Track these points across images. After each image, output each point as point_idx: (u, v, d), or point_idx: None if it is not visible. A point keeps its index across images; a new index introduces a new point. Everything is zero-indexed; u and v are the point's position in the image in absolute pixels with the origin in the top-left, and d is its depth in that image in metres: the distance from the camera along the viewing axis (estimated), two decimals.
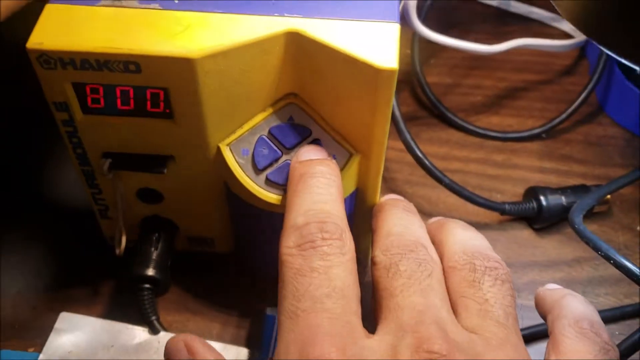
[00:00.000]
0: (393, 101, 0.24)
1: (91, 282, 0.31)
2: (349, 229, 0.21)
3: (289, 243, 0.20)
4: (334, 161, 0.24)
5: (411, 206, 0.25)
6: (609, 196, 0.34)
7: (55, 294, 0.30)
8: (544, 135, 0.39)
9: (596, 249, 0.26)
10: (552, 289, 0.23)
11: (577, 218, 0.27)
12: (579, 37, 0.41)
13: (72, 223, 0.33)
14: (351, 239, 0.21)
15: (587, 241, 0.26)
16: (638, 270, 0.25)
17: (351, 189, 0.27)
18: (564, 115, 0.38)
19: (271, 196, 0.25)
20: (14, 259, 0.32)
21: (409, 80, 0.41)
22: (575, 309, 0.21)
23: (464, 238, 0.22)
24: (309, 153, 0.24)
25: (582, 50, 0.44)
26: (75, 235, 0.33)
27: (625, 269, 0.25)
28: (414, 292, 0.18)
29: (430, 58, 0.43)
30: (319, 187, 0.22)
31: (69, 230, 0.33)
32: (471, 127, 0.38)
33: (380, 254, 0.20)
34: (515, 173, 0.37)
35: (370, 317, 0.20)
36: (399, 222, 0.22)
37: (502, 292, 0.19)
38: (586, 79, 0.39)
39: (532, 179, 0.36)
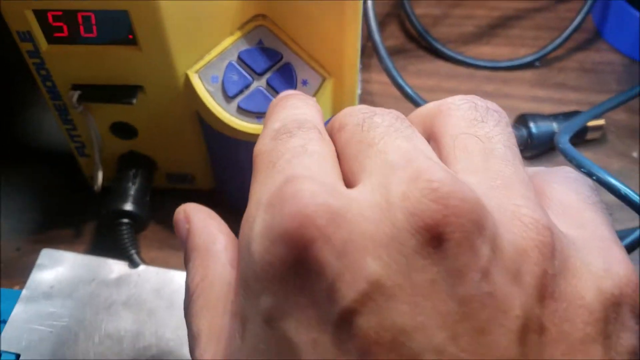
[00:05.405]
0: (360, 15, 0.23)
1: (74, 223, 0.31)
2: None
3: (264, 141, 0.17)
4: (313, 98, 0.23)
5: None
6: (602, 122, 0.33)
7: (38, 236, 0.31)
8: (537, 63, 0.37)
9: (580, 166, 0.24)
10: None
11: (563, 138, 0.26)
12: None
13: (53, 165, 0.33)
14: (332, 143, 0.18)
15: (574, 162, 0.25)
16: (632, 191, 0.23)
17: (326, 116, 0.26)
18: (558, 41, 0.36)
19: (244, 125, 0.25)
20: None
21: (396, 13, 0.40)
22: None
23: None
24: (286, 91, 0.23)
25: None
26: (57, 178, 0.33)
27: (617, 191, 0.23)
28: (396, 138, 0.16)
29: None
30: (297, 106, 0.20)
31: (51, 173, 0.33)
32: (460, 58, 0.37)
33: (347, 116, 0.17)
34: (507, 102, 0.36)
35: None
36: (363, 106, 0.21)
37: (507, 133, 0.16)
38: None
39: (524, 108, 0.35)
